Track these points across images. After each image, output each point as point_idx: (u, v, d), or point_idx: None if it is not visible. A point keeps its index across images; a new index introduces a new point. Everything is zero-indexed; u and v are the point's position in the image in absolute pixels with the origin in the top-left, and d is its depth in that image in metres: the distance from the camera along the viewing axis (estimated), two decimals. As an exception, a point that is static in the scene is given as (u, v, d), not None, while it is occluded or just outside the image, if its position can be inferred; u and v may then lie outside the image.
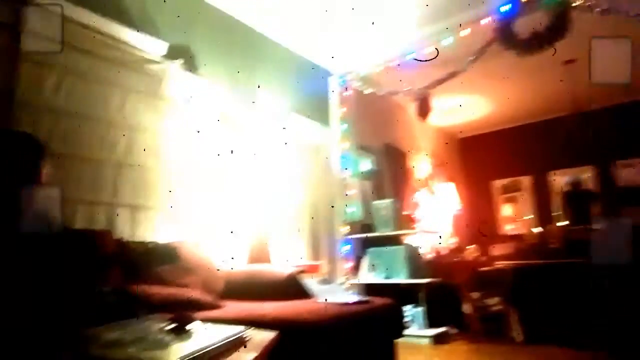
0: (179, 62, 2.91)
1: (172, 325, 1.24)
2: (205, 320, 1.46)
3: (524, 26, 3.29)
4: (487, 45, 3.52)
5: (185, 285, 2.17)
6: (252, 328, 1.33)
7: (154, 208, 2.63)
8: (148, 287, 1.81)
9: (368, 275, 4.07)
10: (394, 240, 4.11)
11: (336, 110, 4.56)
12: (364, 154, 4.86)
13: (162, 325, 1.24)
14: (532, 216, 6.53)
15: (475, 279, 4.14)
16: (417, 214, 4.43)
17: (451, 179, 6.36)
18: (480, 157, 7.11)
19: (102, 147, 2.44)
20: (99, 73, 2.48)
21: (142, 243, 2.37)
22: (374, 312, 2.20)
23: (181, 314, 1.29)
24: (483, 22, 3.59)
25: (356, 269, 4.19)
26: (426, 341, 3.60)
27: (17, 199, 1.30)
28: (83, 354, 1.01)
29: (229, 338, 1.16)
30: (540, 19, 3.23)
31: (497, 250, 4.97)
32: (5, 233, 1.23)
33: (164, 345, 1.10)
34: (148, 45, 2.76)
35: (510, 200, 6.86)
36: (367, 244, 4.22)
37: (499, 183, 6.96)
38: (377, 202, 4.29)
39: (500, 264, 4.36)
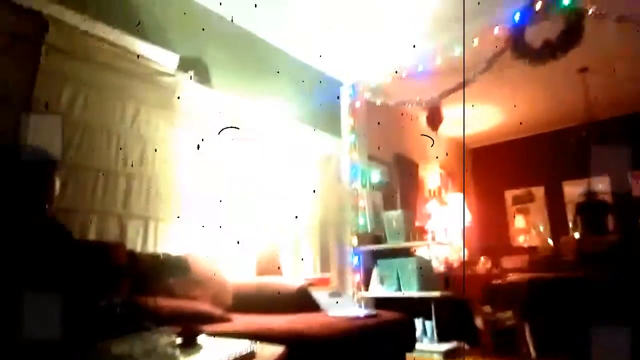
0: (191, 74, 2.95)
1: (181, 339, 1.23)
2: (214, 333, 1.45)
3: (536, 34, 3.27)
4: (499, 55, 3.50)
5: (195, 298, 2.17)
6: (261, 342, 1.32)
7: (165, 220, 2.64)
8: (157, 300, 1.80)
9: (378, 288, 4.02)
10: (405, 252, 4.06)
11: (346, 120, 4.56)
12: (374, 165, 4.84)
13: (171, 338, 1.24)
14: (543, 228, 6.42)
15: (487, 292, 4.06)
16: (428, 225, 4.38)
17: (462, 190, 6.30)
18: (492, 168, 7.04)
19: (115, 158, 2.46)
20: (113, 85, 2.52)
21: (153, 255, 2.38)
22: (385, 326, 2.16)
23: (190, 327, 1.28)
24: (495, 31, 3.57)
25: (366, 281, 4.14)
26: (437, 356, 3.53)
27: (29, 212, 1.32)
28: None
29: (237, 352, 1.15)
30: (553, 27, 3.20)
31: (510, 262, 4.89)
32: (18, 246, 1.24)
33: (173, 359, 1.09)
34: (161, 58, 2.80)
35: (522, 211, 6.76)
36: (377, 255, 4.18)
37: (511, 194, 6.88)
38: (387, 213, 4.26)
39: (513, 277, 4.28)
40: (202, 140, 2.97)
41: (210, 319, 1.92)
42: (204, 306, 2.10)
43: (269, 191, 3.44)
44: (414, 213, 4.94)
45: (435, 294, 3.68)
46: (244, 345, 1.21)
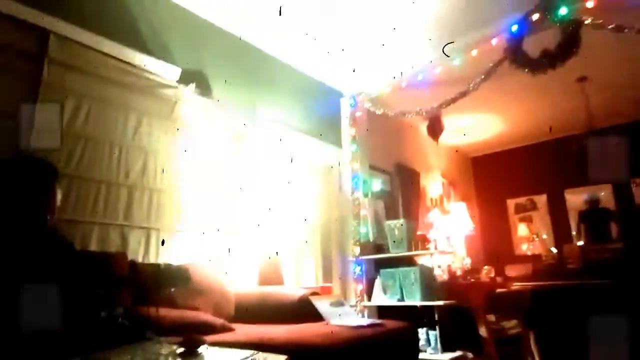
0: (192, 86, 2.98)
1: (183, 349, 1.23)
2: (215, 343, 1.45)
3: (534, 45, 3.30)
4: (498, 65, 3.53)
5: (196, 308, 2.17)
6: (263, 352, 1.31)
7: (166, 229, 2.65)
8: (159, 310, 1.80)
9: (381, 297, 4.00)
10: (407, 261, 4.05)
11: (348, 130, 4.58)
12: (375, 174, 4.85)
13: (172, 348, 1.24)
14: (546, 236, 6.39)
15: (491, 300, 4.03)
16: (430, 234, 4.37)
17: (464, 199, 6.30)
18: (493, 176, 7.04)
19: (117, 169, 2.48)
20: (115, 98, 2.55)
21: (155, 265, 2.38)
22: (388, 336, 2.15)
23: (191, 337, 1.28)
24: (493, 41, 3.61)
25: (369, 290, 4.12)
26: (442, 366, 3.49)
27: (32, 223, 1.33)
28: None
29: (239, 362, 1.14)
30: (551, 37, 3.23)
31: (513, 271, 4.86)
32: (19, 256, 1.25)
33: (174, 369, 1.09)
34: (162, 70, 2.84)
35: (525, 219, 6.74)
36: (379, 264, 4.16)
37: (514, 202, 6.86)
38: (389, 222, 4.25)
39: (516, 286, 4.25)
40: (204, 151, 2.99)
41: (212, 328, 1.92)
42: (206, 316, 2.10)
43: (270, 202, 3.45)
44: (416, 222, 4.93)
45: (439, 302, 3.66)
46: (245, 355, 1.21)
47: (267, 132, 3.59)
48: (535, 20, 3.37)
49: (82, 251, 2.11)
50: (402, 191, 5.22)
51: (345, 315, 2.38)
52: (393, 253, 4.09)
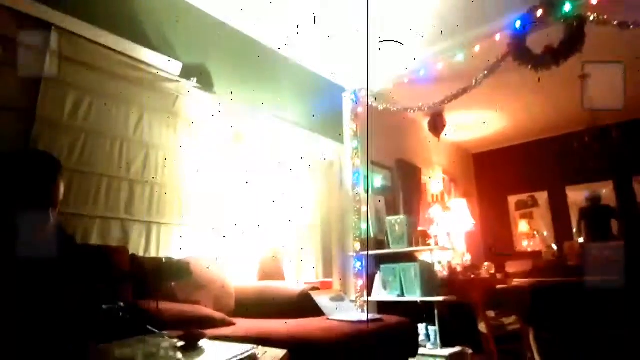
0: (193, 81, 2.97)
1: (183, 342, 1.24)
2: (216, 337, 1.45)
3: (537, 41, 3.28)
4: (501, 61, 3.51)
5: (197, 302, 2.18)
6: (263, 346, 1.32)
7: (167, 224, 2.66)
8: (160, 303, 1.81)
9: (381, 293, 4.01)
10: (408, 257, 4.06)
11: (349, 126, 4.58)
12: (377, 170, 4.85)
13: (173, 342, 1.24)
14: (547, 233, 6.39)
15: (491, 297, 4.04)
16: (431, 230, 4.37)
17: (465, 195, 6.29)
18: (495, 173, 7.03)
19: (118, 164, 2.48)
20: (116, 91, 2.54)
21: (156, 259, 2.39)
22: (387, 331, 2.16)
23: (192, 331, 1.29)
24: (497, 37, 3.59)
25: (369, 286, 4.14)
26: (441, 361, 3.51)
27: (34, 216, 1.33)
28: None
29: (238, 356, 1.15)
30: (555, 33, 3.22)
31: (514, 267, 4.86)
32: (21, 250, 1.25)
33: (175, 363, 1.09)
34: (163, 64, 2.83)
35: (526, 216, 6.74)
36: (380, 260, 4.18)
37: (514, 199, 6.86)
38: (390, 218, 4.26)
39: (517, 282, 4.26)
40: (205, 145, 2.99)
41: (212, 322, 1.93)
42: (206, 310, 2.11)
43: (271, 196, 3.45)
44: (416, 218, 4.93)
45: (439, 298, 3.67)
46: (245, 349, 1.21)
47: (268, 127, 3.59)
48: (539, 16, 3.35)
49: (83, 245, 2.12)
50: (403, 187, 5.21)
51: (345, 310, 2.38)
52: (393, 249, 4.10)
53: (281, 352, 1.30)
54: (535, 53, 3.32)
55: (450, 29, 3.74)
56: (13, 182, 1.42)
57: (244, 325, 2.01)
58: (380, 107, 4.41)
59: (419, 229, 4.28)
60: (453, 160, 6.66)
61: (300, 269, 3.69)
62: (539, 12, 3.33)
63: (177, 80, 2.88)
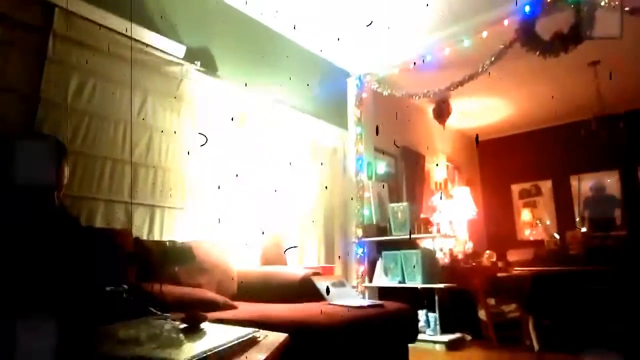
0: (197, 64, 2.95)
1: (186, 325, 1.25)
2: (218, 320, 1.47)
3: (547, 27, 3.22)
4: (508, 47, 3.46)
5: (200, 285, 2.20)
6: (264, 329, 1.34)
7: (171, 207, 2.67)
8: (163, 286, 1.83)
9: (382, 279, 4.04)
10: (410, 244, 4.07)
11: (353, 111, 4.55)
12: (380, 157, 4.83)
13: (176, 324, 1.26)
14: (549, 222, 6.38)
15: (491, 284, 4.06)
16: (433, 218, 4.38)
17: (469, 183, 6.28)
18: (499, 161, 6.99)
19: (122, 146, 2.48)
20: (120, 75, 2.53)
21: (159, 242, 2.41)
22: (388, 316, 2.18)
23: (194, 313, 1.30)
24: (505, 23, 3.53)
25: (370, 272, 4.17)
26: (440, 347, 3.55)
27: (39, 199, 1.34)
28: (98, 351, 1.03)
29: (240, 338, 1.16)
30: (564, 19, 3.15)
31: (515, 255, 4.87)
32: (26, 231, 1.26)
33: (178, 344, 1.11)
34: (167, 47, 2.81)
35: (529, 205, 6.72)
36: (382, 247, 4.20)
37: (518, 187, 6.83)
38: (393, 205, 4.26)
39: (517, 270, 4.27)
40: (208, 129, 2.98)
41: (214, 306, 1.95)
42: (209, 293, 2.13)
43: (274, 181, 3.46)
44: (419, 205, 4.93)
45: (439, 285, 3.70)
46: (247, 332, 1.23)
47: (271, 111, 3.57)
48: (549, 1, 3.28)
49: (88, 227, 2.14)
50: (407, 174, 5.21)
51: (346, 296, 2.41)
52: (396, 235, 4.12)
53: (282, 336, 1.32)
54: (544, 39, 3.26)
55: (458, 13, 3.68)
56: (18, 166, 1.42)
57: (245, 308, 2.04)
58: (385, 93, 4.37)
59: (422, 216, 4.29)
60: (457, 147, 6.62)
61: (302, 254, 3.71)
62: (550, -3, 3.26)
63: (180, 64, 2.86)
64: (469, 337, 3.81)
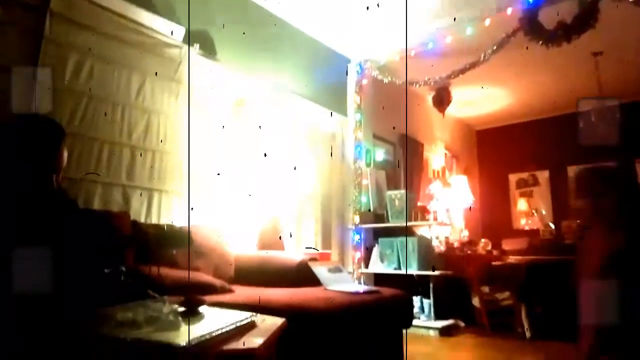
0: (196, 47, 2.91)
1: (184, 308, 1.27)
2: (215, 304, 1.49)
3: (550, 16, 3.19)
4: (511, 36, 3.43)
5: (197, 269, 2.21)
6: (261, 314, 1.35)
7: (169, 191, 2.67)
8: (161, 269, 1.84)
9: (378, 265, 4.08)
10: (406, 231, 4.10)
11: (353, 98, 4.52)
12: (378, 144, 4.82)
13: (173, 307, 1.27)
14: (545, 212, 6.42)
15: (486, 273, 4.11)
16: (430, 206, 4.40)
17: (467, 172, 6.29)
18: (497, 150, 6.99)
19: (120, 129, 2.47)
20: (118, 56, 2.50)
21: (157, 226, 2.42)
22: (383, 302, 2.21)
23: (192, 297, 1.31)
24: (508, 11, 3.49)
25: (367, 258, 4.20)
26: (433, 332, 3.61)
27: (38, 181, 1.34)
28: (97, 333, 1.04)
29: (238, 322, 1.18)
30: (568, 9, 3.12)
31: (510, 244, 4.92)
32: (23, 214, 1.26)
33: (176, 327, 1.12)
34: (166, 29, 2.77)
35: (526, 194, 6.75)
36: (378, 234, 4.22)
37: (515, 177, 6.85)
38: (390, 192, 4.28)
39: (512, 259, 4.32)
40: (206, 113, 2.96)
41: (212, 289, 1.97)
42: (207, 277, 2.15)
43: (272, 167, 3.45)
44: (416, 193, 4.94)
45: (435, 272, 3.74)
46: (244, 316, 1.24)
47: (271, 96, 3.54)
48: (554, -10, 3.24)
49: (86, 209, 2.13)
50: (405, 162, 5.20)
51: (343, 282, 2.43)
52: (392, 223, 4.14)
53: (279, 320, 1.33)
54: (547, 28, 3.24)
55: (461, 1, 3.63)
56: (16, 148, 1.42)
57: (242, 293, 2.06)
58: (386, 80, 4.34)
59: (419, 204, 4.30)
60: (456, 136, 6.61)
61: (299, 239, 3.73)
62: (554, -15, 3.22)
63: (179, 46, 2.82)
64: (462, 324, 3.87)
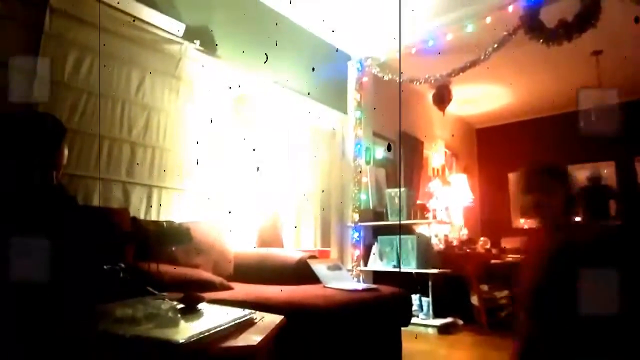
0: (196, 43, 2.90)
1: (183, 305, 1.27)
2: (214, 301, 1.49)
3: (551, 14, 3.18)
4: (513, 33, 3.42)
5: (197, 266, 2.22)
6: (260, 311, 1.35)
7: (168, 188, 2.67)
8: (160, 266, 1.84)
9: (377, 263, 4.08)
10: (406, 229, 4.10)
11: (353, 95, 4.51)
12: (378, 142, 4.82)
13: (172, 304, 1.27)
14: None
15: (485, 271, 4.11)
16: (430, 204, 4.40)
17: (466, 170, 6.29)
18: (497, 149, 6.99)
19: (120, 125, 2.46)
20: (118, 51, 2.49)
21: (156, 222, 2.41)
22: (382, 300, 2.21)
23: (191, 294, 1.31)
24: (509, 9, 3.48)
25: (366, 256, 4.20)
26: (432, 331, 3.61)
27: (38, 178, 1.33)
28: (96, 330, 1.04)
29: (237, 319, 1.18)
30: (569, 7, 3.11)
31: (509, 243, 4.92)
32: (25, 210, 1.26)
33: (175, 324, 1.12)
34: (166, 25, 2.76)
35: (525, 193, 6.73)
36: (378, 232, 4.22)
37: (514, 176, 6.84)
38: (390, 190, 4.27)
39: (511, 257, 4.32)
40: (207, 110, 2.96)
41: (211, 286, 1.97)
42: (206, 274, 2.15)
43: (272, 164, 3.45)
44: (416, 191, 4.94)
45: (434, 271, 3.74)
46: (243, 314, 1.24)
47: (271, 93, 3.53)
48: (555, -12, 3.23)
49: (85, 206, 2.13)
50: (405, 160, 5.20)
51: (342, 279, 2.43)
52: (392, 221, 4.14)
53: (278, 318, 1.33)
54: (548, 27, 3.23)
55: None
56: (17, 145, 1.41)
57: (242, 290, 2.06)
58: (386, 78, 4.33)
59: (418, 202, 4.31)
60: (456, 134, 6.61)
61: (298, 237, 3.73)
62: (555, -16, 3.21)
63: (180, 42, 2.81)
64: (460, 322, 3.87)
